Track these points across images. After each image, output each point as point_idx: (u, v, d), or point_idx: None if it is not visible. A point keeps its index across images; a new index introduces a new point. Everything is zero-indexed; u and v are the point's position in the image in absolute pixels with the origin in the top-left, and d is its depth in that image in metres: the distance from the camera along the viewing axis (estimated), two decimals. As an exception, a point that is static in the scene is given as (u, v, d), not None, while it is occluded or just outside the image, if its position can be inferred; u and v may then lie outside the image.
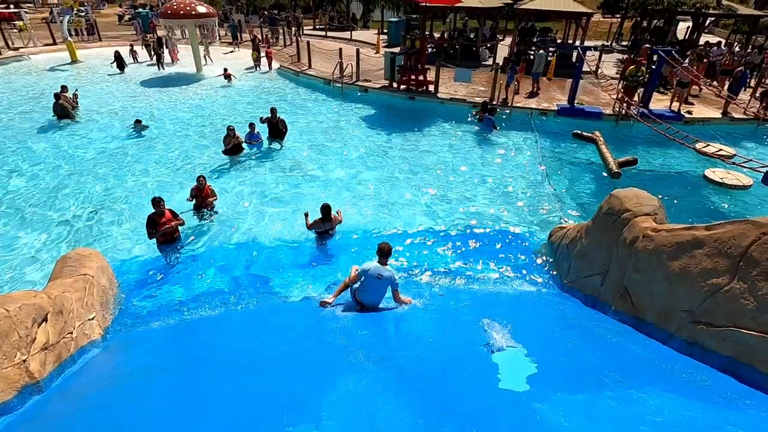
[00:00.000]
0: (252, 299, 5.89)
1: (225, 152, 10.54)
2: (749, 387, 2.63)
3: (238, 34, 25.96)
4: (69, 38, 20.60)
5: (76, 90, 14.02)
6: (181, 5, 17.36)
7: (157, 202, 6.60)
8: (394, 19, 26.95)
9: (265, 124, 11.26)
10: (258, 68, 20.20)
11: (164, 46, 20.23)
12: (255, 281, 6.32)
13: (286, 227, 7.77)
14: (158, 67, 19.48)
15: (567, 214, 8.47)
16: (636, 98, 13.66)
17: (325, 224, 7.03)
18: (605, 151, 10.50)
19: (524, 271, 6.69)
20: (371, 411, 2.37)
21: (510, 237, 7.73)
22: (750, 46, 21.44)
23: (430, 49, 20.56)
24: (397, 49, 16.07)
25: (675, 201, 8.82)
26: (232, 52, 23.67)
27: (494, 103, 13.76)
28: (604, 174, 10.07)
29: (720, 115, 13.64)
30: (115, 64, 18.63)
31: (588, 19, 19.28)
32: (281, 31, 25.55)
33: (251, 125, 11.06)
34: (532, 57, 21.19)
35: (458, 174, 10.12)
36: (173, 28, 21.09)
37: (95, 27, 26.08)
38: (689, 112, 13.59)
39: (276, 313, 5.30)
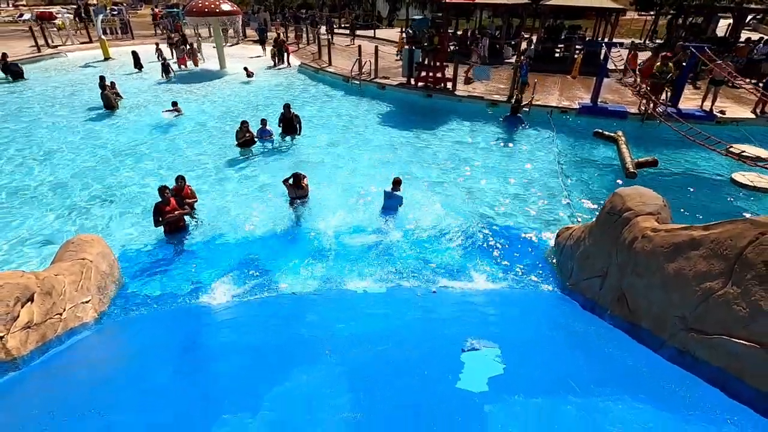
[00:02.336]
0: (249, 290, 5.91)
1: (238, 145, 10.71)
2: (736, 402, 2.38)
3: (266, 33, 26.44)
4: (102, 36, 21.45)
5: (112, 82, 14.59)
6: (206, 3, 17.77)
7: (162, 190, 6.73)
8: (418, 17, 26.74)
9: (279, 123, 11.35)
10: (276, 65, 20.43)
11: (176, 48, 19.91)
12: (254, 273, 6.34)
13: (291, 221, 7.78)
14: (162, 76, 17.85)
15: (579, 214, 8.12)
16: (663, 97, 13.00)
17: (296, 191, 7.87)
18: (624, 150, 10.02)
19: (528, 272, 6.44)
20: (316, 404, 2.28)
21: (518, 236, 7.47)
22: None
23: (452, 47, 20.29)
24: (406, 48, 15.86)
25: (698, 204, 8.32)
26: (259, 56, 22.21)
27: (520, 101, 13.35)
28: (619, 181, 9.61)
29: (753, 116, 12.80)
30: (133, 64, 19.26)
31: (617, 16, 18.53)
32: (305, 29, 25.79)
33: (263, 121, 11.16)
34: (558, 55, 20.67)
35: (472, 171, 9.90)
36: (198, 27, 21.70)
37: (129, 26, 27.11)
38: (722, 112, 12.80)
39: (265, 305, 5.28)
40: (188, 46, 19.90)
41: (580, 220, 7.85)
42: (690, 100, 13.75)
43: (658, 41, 26.01)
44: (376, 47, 17.63)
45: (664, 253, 3.51)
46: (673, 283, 3.30)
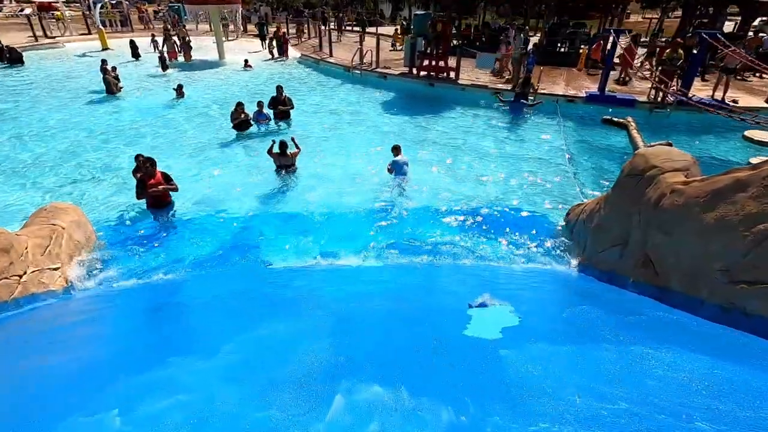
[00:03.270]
0: (235, 264, 5.46)
1: (234, 127, 10.31)
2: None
3: (266, 28, 26.20)
4: (101, 27, 21.17)
5: (113, 66, 14.24)
6: (206, -8, 17.48)
7: (144, 162, 6.34)
8: (420, 12, 26.42)
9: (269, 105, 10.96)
10: (274, 57, 20.00)
11: (167, 41, 18.67)
12: (242, 248, 5.90)
13: (284, 201, 7.35)
14: (160, 68, 16.95)
15: (589, 197, 7.67)
16: (674, 85, 12.58)
17: (280, 159, 7.87)
18: (636, 135, 9.60)
19: (538, 251, 5.99)
20: (289, 348, 1.83)
21: (526, 217, 7.02)
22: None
23: (455, 43, 19.95)
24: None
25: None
26: (258, 51, 21.53)
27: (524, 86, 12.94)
28: (624, 161, 9.17)
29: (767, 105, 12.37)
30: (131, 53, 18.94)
31: (624, 8, 18.18)
32: (307, 23, 25.51)
33: (259, 104, 10.77)
34: (560, 50, 20.27)
35: (476, 157, 9.44)
36: (199, 19, 21.41)
37: (129, 20, 26.89)
38: (735, 101, 12.38)
39: (252, 274, 4.83)
40: (180, 40, 19.32)
41: (587, 199, 7.41)
42: (698, 92, 13.32)
43: (663, 39, 25.65)
44: (378, 37, 17.29)
45: (700, 203, 3.06)
46: (713, 234, 2.86)
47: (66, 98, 13.15)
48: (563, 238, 6.20)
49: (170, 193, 6.79)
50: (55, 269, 4.60)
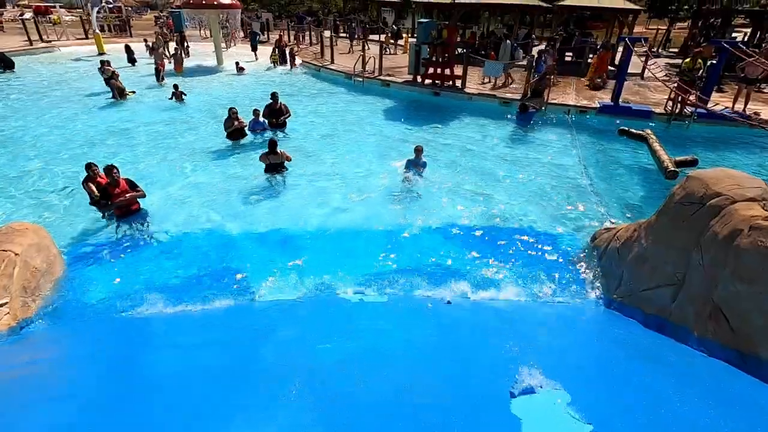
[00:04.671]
0: (213, 295, 4.76)
1: (228, 136, 9.66)
2: None
3: (266, 33, 25.77)
4: (97, 31, 20.68)
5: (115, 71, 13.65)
6: (204, -5, 16.98)
7: (109, 170, 5.75)
8: (423, 20, 25.98)
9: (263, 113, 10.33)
10: (276, 67, 19.24)
11: (154, 51, 16.83)
12: (223, 273, 5.21)
13: (276, 217, 6.67)
14: (157, 80, 15.46)
15: (612, 216, 7.00)
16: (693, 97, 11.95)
17: (270, 157, 7.68)
18: (659, 148, 8.93)
19: (559, 281, 5.29)
20: None
21: (544, 240, 6.32)
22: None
23: (459, 51, 19.42)
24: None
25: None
26: (250, 62, 19.76)
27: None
28: (647, 177, 8.51)
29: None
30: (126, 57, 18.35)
31: (635, 18, 17.65)
32: (308, 30, 25.07)
33: (255, 112, 10.14)
34: (569, 59, 19.78)
35: (486, 170, 8.77)
36: (199, 25, 20.88)
37: (128, 25, 26.46)
38: (757, 114, 11.74)
39: (230, 314, 4.14)
40: (172, 49, 18.39)
41: (614, 222, 6.72)
42: (716, 103, 12.68)
43: (672, 50, 25.17)
44: (381, 43, 16.76)
45: (801, 248, 2.38)
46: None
47: (56, 103, 12.55)
48: (589, 267, 5.51)
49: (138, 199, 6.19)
50: (2, 305, 3.90)
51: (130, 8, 36.48)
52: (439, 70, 14.23)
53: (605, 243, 5.35)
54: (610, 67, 16.64)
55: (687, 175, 3.72)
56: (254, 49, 20.61)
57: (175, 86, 13.00)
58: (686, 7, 22.09)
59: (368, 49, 16.70)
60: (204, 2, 16.80)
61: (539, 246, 6.17)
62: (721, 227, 3.08)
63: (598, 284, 5.11)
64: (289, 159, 7.97)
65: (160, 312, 4.51)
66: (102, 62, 13.64)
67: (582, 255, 5.90)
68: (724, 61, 11.89)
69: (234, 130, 9.55)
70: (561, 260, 5.84)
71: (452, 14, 17.41)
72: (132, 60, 18.38)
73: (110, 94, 12.98)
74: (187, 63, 19.09)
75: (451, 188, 7.83)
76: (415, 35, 23.77)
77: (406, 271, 5.22)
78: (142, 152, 9.14)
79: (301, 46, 22.58)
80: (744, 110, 11.84)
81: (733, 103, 12.13)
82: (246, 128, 9.90)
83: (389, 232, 6.28)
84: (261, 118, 10.29)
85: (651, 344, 3.27)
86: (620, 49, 16.96)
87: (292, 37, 24.08)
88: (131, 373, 3.06)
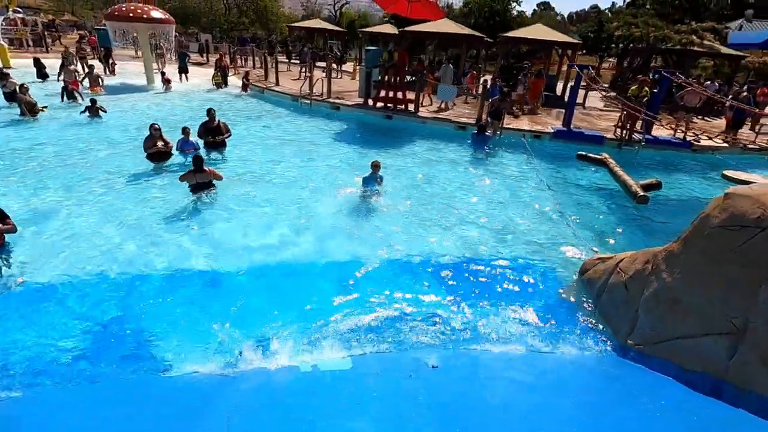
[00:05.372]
0: (105, 370, 3.33)
1: (148, 157, 8.10)
2: None
3: (205, 55, 24.38)
4: (2, 43, 18.13)
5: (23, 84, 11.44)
6: (133, 8, 15.38)
7: None
8: (371, 48, 25.88)
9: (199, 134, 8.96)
10: (219, 88, 17.72)
11: (65, 69, 14.05)
12: (123, 338, 3.77)
13: (204, 252, 5.30)
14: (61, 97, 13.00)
15: (592, 244, 6.38)
16: (638, 124, 12.24)
17: (196, 176, 6.65)
18: (622, 173, 8.70)
19: (552, 323, 4.42)
20: None
21: (522, 273, 5.49)
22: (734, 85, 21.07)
23: (408, 78, 19.20)
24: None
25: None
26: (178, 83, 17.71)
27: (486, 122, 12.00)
28: (615, 201, 8.18)
29: (726, 144, 12.37)
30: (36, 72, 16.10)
31: (575, 51, 18.46)
32: (251, 52, 23.89)
33: (185, 130, 8.72)
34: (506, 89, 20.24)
35: (448, 197, 7.95)
36: (128, 40, 19.04)
37: (44, 39, 23.80)
38: (697, 140, 12.22)
39: (121, 402, 2.78)
40: (86, 67, 16.08)
41: (596, 250, 6.09)
42: (656, 131, 13.15)
43: (604, 85, 26.89)
44: (329, 64, 16.01)
45: None
46: None
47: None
48: (584, 306, 4.71)
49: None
50: None
51: (59, 26, 33.33)
52: (391, 93, 13.65)
53: (602, 276, 4.60)
54: (546, 92, 17.10)
55: (726, 194, 3.03)
56: (183, 71, 18.33)
57: (93, 101, 11.21)
58: (613, 45, 23.71)
59: (313, 74, 15.85)
60: (131, 15, 15.17)
61: (520, 280, 5.33)
62: (803, 259, 2.33)
63: (601, 327, 4.30)
64: (219, 178, 6.89)
65: (24, 395, 3.03)
66: (3, 75, 11.56)
67: (571, 290, 5.12)
68: (665, 90, 12.40)
69: (156, 152, 8.04)
70: (547, 297, 5.01)
71: (401, 42, 17.15)
72: (43, 75, 16.11)
73: (17, 111, 10.89)
74: (112, 81, 17.11)
75: (413, 216, 6.89)
76: (363, 62, 23.50)
77: (374, 320, 4.09)
78: (47, 175, 7.37)
79: (239, 68, 21.41)
80: (685, 137, 12.30)
81: (675, 131, 12.58)
82: (173, 149, 8.43)
83: (346, 269, 5.15)
84: (193, 138, 8.87)
85: (719, 418, 2.38)
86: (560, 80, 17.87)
87: (233, 57, 22.75)
88: None
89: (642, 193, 7.67)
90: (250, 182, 7.84)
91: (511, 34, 18.61)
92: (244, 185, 7.63)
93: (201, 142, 8.90)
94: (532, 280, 5.36)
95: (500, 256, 5.92)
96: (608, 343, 4.08)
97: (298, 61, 23.17)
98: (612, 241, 6.54)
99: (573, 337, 4.24)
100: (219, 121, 8.97)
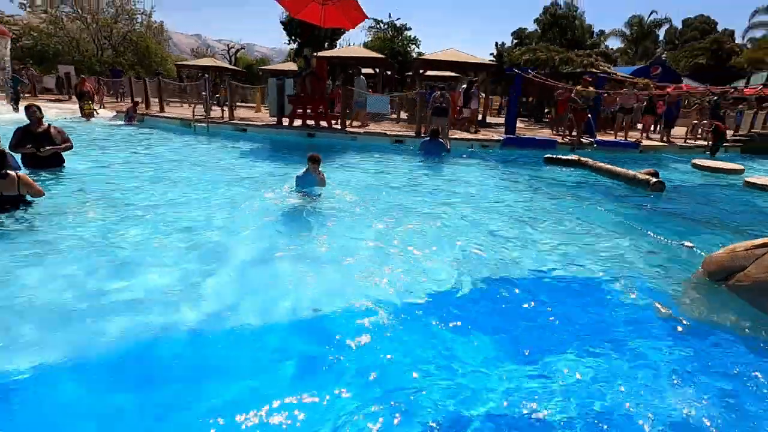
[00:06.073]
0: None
1: None
2: None
3: (66, 89, 19.86)
4: None
5: None
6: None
7: None
8: (273, 79, 23.38)
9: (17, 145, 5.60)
10: (90, 119, 13.59)
11: None
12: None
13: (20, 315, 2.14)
14: None
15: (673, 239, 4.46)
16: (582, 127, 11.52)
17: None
18: (613, 167, 7.33)
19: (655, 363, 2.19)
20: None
21: (568, 299, 3.28)
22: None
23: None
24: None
25: (721, 214, 5.78)
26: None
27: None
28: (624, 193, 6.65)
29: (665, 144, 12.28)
30: None
31: (488, 73, 18.21)
32: (127, 84, 19.82)
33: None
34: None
35: (403, 216, 5.61)
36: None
37: None
38: (639, 142, 11.86)
39: None
40: None
41: (688, 243, 4.22)
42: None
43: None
44: (230, 82, 13.24)
45: None
46: None
47: None
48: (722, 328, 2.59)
49: None
50: None
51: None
52: (310, 110, 11.30)
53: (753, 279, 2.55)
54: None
55: None
56: (15, 100, 13.93)
57: None
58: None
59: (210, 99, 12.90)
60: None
61: (596, 300, 3.11)
62: None
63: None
64: (40, 193, 4.54)
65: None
66: None
67: (679, 309, 3.00)
68: (601, 96, 12.03)
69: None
70: (636, 326, 2.83)
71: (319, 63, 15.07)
72: None
73: None
74: None
75: (364, 247, 4.40)
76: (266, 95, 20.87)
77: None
78: None
79: (105, 97, 17.80)
80: (626, 137, 11.88)
81: (615, 133, 12.16)
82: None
83: (284, 325, 2.45)
84: (8, 156, 5.40)
85: None
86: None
87: (100, 89, 18.45)
88: None
89: (656, 180, 6.22)
90: (105, 207, 4.68)
91: (426, 56, 17.80)
92: (111, 210, 4.49)
93: (19, 158, 5.46)
94: (591, 303, 3.16)
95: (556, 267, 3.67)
96: None
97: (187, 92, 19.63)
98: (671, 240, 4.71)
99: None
100: (50, 125, 5.70)
